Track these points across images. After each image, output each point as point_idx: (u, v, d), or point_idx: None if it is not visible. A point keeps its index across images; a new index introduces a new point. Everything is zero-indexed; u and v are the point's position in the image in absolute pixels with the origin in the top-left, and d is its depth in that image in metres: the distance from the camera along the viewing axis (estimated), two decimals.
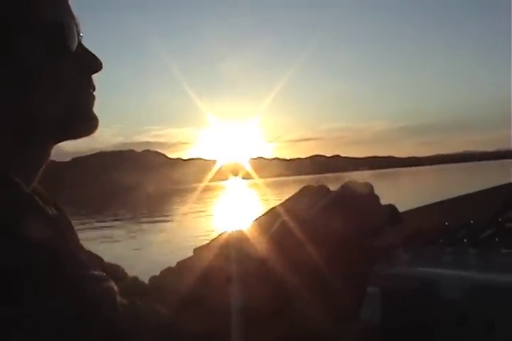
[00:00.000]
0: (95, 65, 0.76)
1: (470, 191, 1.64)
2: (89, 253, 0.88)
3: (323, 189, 0.79)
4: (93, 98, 0.76)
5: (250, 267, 0.67)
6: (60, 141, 0.76)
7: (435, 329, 0.99)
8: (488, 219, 1.13)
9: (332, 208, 0.71)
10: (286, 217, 0.73)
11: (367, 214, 0.72)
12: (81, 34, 0.76)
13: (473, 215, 1.17)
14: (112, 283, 0.59)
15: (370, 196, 0.74)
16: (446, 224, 1.20)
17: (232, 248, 0.75)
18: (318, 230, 0.68)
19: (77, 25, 0.75)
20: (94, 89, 0.76)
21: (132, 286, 0.89)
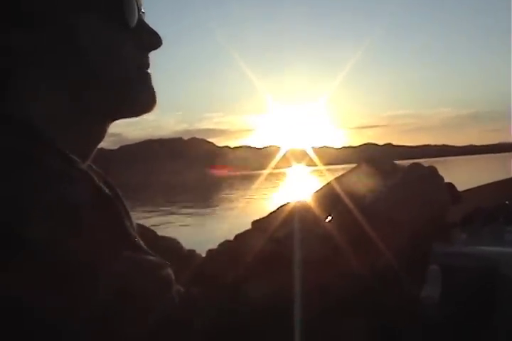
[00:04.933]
0: (155, 42, 0.74)
1: None
2: (142, 227, 0.86)
3: (385, 168, 0.79)
4: (149, 74, 0.74)
5: (316, 246, 0.66)
6: (118, 118, 0.75)
7: (496, 307, 0.98)
8: None
9: (398, 196, 0.71)
10: (348, 201, 0.73)
11: (436, 207, 0.71)
12: (142, 10, 0.74)
13: None
14: (169, 270, 0.58)
15: (437, 183, 0.73)
16: (507, 202, 1.18)
17: (297, 221, 0.76)
18: (385, 222, 0.67)
19: (138, 1, 0.72)
20: (148, 66, 0.74)
21: (188, 260, 0.89)
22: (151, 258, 0.57)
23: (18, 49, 0.65)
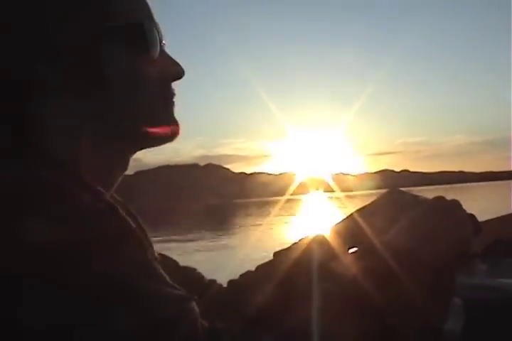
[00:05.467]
0: (177, 72, 0.75)
1: None
2: (163, 257, 0.86)
3: (409, 199, 0.79)
4: (173, 104, 0.75)
5: (336, 285, 0.66)
6: (141, 149, 0.75)
7: None
8: None
9: (423, 230, 0.70)
10: (371, 234, 0.73)
11: (460, 241, 0.71)
12: (163, 42, 0.75)
13: None
14: (194, 304, 0.58)
15: (461, 217, 0.73)
16: None
17: (315, 258, 0.76)
18: (409, 257, 0.67)
19: (159, 32, 0.74)
20: (173, 96, 0.75)
21: (209, 290, 0.89)
22: (176, 291, 0.57)
23: (42, 81, 0.66)
